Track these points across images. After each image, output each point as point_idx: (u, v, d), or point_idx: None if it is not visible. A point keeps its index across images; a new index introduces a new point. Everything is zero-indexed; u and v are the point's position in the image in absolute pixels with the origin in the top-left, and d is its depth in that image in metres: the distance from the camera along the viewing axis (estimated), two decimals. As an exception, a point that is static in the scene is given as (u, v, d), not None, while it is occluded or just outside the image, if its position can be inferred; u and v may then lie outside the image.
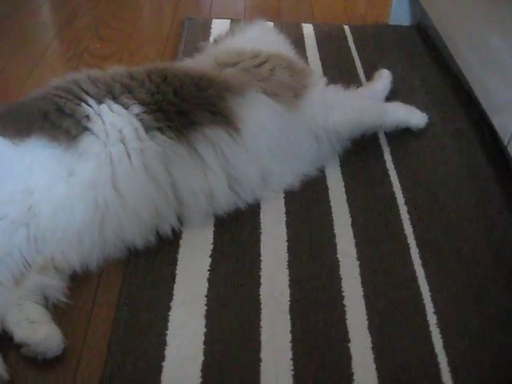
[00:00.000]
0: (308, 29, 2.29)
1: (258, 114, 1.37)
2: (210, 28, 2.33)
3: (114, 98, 1.29)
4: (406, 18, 2.39)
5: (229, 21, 2.37)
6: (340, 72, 2.01)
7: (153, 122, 1.28)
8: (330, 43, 2.19)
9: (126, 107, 1.28)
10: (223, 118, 1.32)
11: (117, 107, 1.28)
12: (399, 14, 2.38)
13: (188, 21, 2.37)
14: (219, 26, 2.28)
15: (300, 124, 1.45)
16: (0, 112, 1.26)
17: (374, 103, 1.67)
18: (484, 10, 1.66)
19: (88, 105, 1.27)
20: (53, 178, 1.20)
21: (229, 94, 1.35)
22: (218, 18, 2.41)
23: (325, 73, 1.98)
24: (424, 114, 1.70)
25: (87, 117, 1.25)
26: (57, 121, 1.23)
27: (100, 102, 1.28)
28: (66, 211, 1.20)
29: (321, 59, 2.08)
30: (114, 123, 1.26)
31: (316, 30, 2.28)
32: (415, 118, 1.68)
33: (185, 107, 1.31)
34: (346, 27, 2.32)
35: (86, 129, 1.24)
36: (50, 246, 1.20)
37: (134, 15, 2.57)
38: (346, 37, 2.25)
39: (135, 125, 1.27)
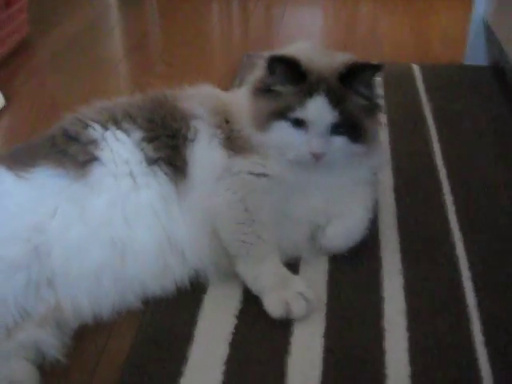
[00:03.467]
0: (374, 67, 2.13)
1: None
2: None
3: (117, 124, 1.20)
4: (483, 58, 2.20)
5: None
6: (406, 115, 1.85)
7: (152, 153, 1.18)
8: (396, 83, 2.03)
9: (128, 134, 1.19)
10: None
11: (120, 134, 1.19)
12: (475, 54, 2.21)
13: (246, 57, 2.27)
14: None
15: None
16: (14, 149, 1.22)
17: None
18: None
19: (93, 129, 1.18)
20: (66, 215, 1.10)
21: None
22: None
23: (389, 114, 1.81)
24: (299, 305, 1.13)
25: (94, 142, 1.16)
26: (63, 146, 1.15)
27: (105, 127, 1.19)
28: (82, 252, 1.10)
29: (386, 99, 1.90)
30: (120, 153, 1.17)
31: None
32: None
33: (171, 142, 1.20)
34: (416, 66, 2.15)
35: (95, 157, 1.15)
36: (59, 292, 1.09)
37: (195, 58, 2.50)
38: (414, 76, 2.08)
39: (139, 157, 1.17)
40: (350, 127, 1.17)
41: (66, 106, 1.28)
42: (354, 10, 3.10)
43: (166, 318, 1.15)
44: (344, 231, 1.24)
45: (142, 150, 1.18)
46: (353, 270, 1.25)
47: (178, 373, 1.04)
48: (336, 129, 1.16)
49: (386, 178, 1.54)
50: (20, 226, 1.07)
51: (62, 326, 1.08)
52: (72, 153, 1.14)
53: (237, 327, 1.13)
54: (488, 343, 1.09)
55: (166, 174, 1.18)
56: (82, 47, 2.53)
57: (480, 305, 1.17)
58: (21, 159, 1.15)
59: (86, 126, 1.19)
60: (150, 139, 1.19)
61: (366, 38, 2.66)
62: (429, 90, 1.99)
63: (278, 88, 1.17)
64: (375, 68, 1.20)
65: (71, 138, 1.17)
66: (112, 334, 1.14)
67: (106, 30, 2.82)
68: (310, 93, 1.14)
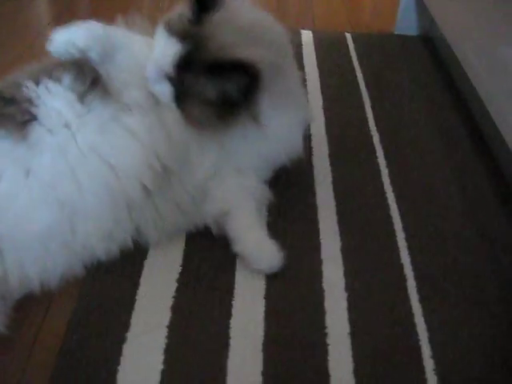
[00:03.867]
0: (307, 36, 2.14)
1: None
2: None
3: (48, 74, 1.14)
4: (413, 28, 2.24)
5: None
6: (340, 83, 1.86)
7: (83, 84, 1.12)
8: (329, 51, 2.04)
9: (60, 81, 1.13)
10: None
11: (51, 84, 1.13)
12: (406, 24, 2.23)
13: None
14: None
15: None
16: None
17: None
18: (499, 19, 1.50)
19: (27, 87, 1.12)
20: (11, 180, 1.06)
21: None
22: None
23: (322, 82, 1.83)
24: None
25: (29, 100, 1.10)
26: (0, 109, 1.09)
27: (37, 82, 1.13)
28: (28, 218, 1.06)
29: (318, 67, 1.93)
30: (54, 105, 1.11)
31: (315, 37, 2.13)
32: None
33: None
34: (348, 35, 2.17)
35: (32, 116, 1.09)
36: (6, 260, 1.05)
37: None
38: (347, 45, 2.10)
39: (70, 98, 1.12)
40: (178, 91, 1.10)
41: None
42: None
43: (107, 284, 1.13)
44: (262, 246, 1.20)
45: (73, 90, 1.12)
46: (291, 233, 1.27)
47: (120, 339, 1.03)
48: (170, 79, 1.09)
49: (321, 144, 1.56)
50: None
51: (6, 297, 1.05)
52: (10, 113, 1.08)
53: (178, 291, 1.12)
54: (422, 299, 1.13)
55: (101, 96, 1.12)
56: (3, 15, 2.41)
57: (413, 263, 1.21)
58: None
59: (20, 85, 1.12)
60: (79, 74, 1.13)
61: (298, 7, 2.66)
62: (361, 58, 2.01)
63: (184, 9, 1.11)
64: (254, 79, 1.05)
65: (6, 100, 1.10)
66: (52, 302, 1.11)
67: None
68: (179, 32, 1.07)
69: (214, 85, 1.06)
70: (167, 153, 1.15)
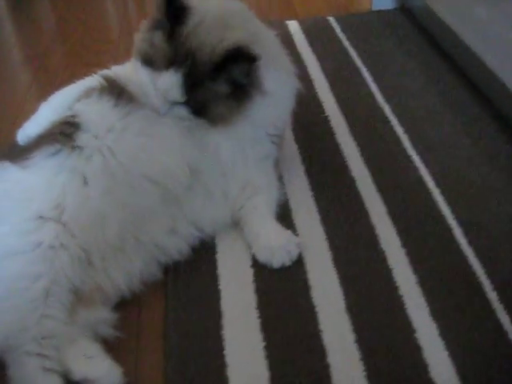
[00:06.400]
0: (293, 25, 2.24)
1: None
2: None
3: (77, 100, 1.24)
4: (389, 1, 2.34)
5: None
6: (338, 64, 1.97)
7: (111, 95, 1.22)
8: (319, 37, 2.15)
9: (90, 97, 1.22)
10: None
11: (85, 100, 1.22)
12: (381, -2, 2.34)
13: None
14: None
15: None
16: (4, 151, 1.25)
17: None
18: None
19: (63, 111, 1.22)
20: (73, 191, 1.13)
21: None
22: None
23: (322, 66, 1.94)
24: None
25: (72, 116, 1.19)
26: (47, 131, 1.19)
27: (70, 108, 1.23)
28: (100, 223, 1.14)
29: (314, 53, 2.03)
30: (96, 109, 1.20)
31: (302, 26, 2.23)
32: None
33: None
34: (331, 18, 2.27)
35: (77, 126, 1.18)
36: (98, 269, 1.14)
37: (112, 48, 2.36)
38: (333, 28, 2.20)
39: (108, 103, 1.21)
40: (196, 105, 1.20)
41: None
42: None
43: (189, 281, 1.23)
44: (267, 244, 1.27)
45: (106, 99, 1.21)
46: (341, 206, 1.39)
47: (218, 326, 1.13)
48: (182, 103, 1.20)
49: (340, 123, 1.67)
50: (44, 208, 1.10)
51: (105, 302, 1.15)
52: (58, 130, 1.17)
53: (255, 275, 1.23)
54: (471, 243, 1.26)
55: (131, 101, 1.22)
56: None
57: (454, 212, 1.34)
58: (18, 154, 1.18)
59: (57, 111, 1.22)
60: (106, 90, 1.23)
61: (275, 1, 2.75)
62: (350, 38, 2.11)
63: (151, 34, 1.21)
64: (253, 59, 1.16)
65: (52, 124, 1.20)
66: (142, 305, 1.21)
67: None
68: (170, 62, 1.17)
69: (223, 80, 1.18)
70: (193, 153, 1.25)
